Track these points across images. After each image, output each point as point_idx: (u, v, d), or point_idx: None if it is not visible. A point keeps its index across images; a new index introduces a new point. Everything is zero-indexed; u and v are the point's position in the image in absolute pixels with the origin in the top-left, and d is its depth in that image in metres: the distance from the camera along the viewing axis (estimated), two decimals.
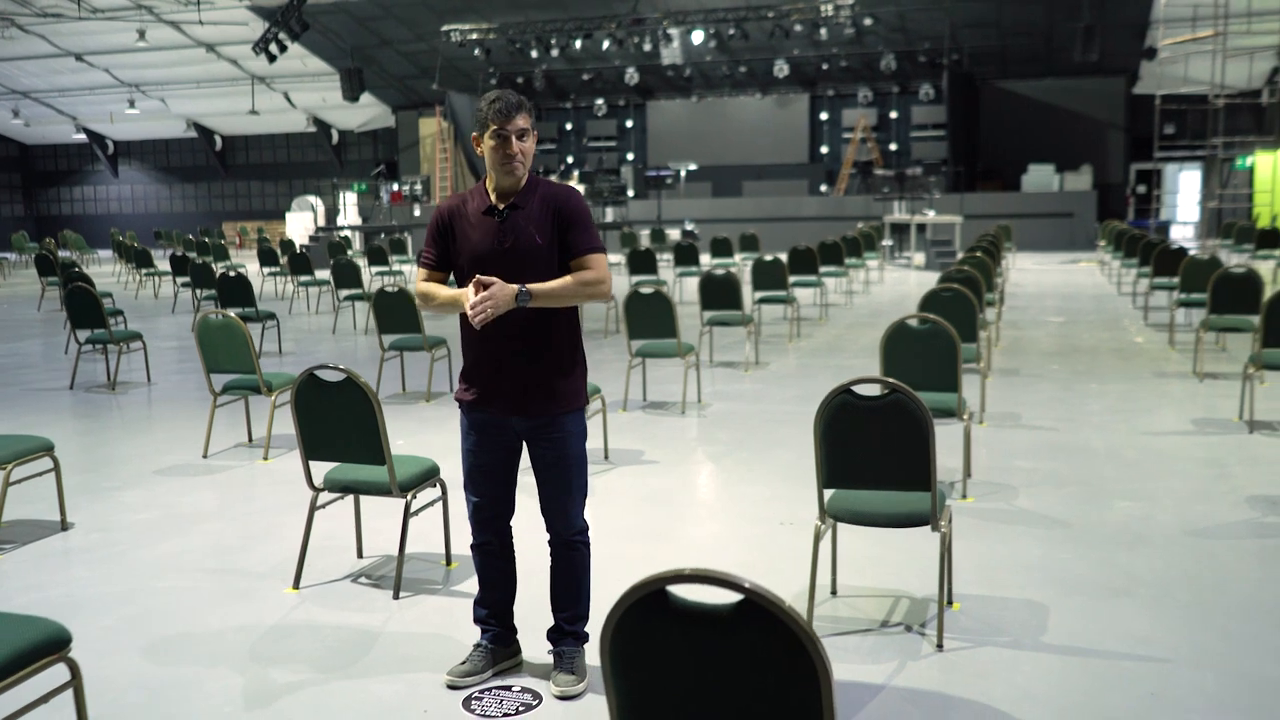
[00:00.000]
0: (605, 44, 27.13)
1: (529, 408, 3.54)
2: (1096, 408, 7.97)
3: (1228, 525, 5.20)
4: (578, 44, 27.24)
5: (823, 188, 29.63)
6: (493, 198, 3.52)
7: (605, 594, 4.41)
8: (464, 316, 3.50)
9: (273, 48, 26.81)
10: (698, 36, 26.51)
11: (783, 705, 1.94)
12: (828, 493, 4.10)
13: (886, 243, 21.71)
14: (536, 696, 3.58)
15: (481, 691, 3.60)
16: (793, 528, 5.30)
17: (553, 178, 30.65)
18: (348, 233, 26.02)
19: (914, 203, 22.38)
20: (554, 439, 3.57)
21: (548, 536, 3.68)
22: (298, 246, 20.42)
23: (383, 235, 24.89)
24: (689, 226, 23.62)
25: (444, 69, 29.47)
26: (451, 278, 3.67)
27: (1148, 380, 8.93)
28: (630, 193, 27.15)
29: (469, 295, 3.34)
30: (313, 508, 4.64)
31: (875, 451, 3.91)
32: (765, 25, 26.36)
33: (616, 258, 19.55)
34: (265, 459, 6.81)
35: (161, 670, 3.81)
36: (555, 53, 27.67)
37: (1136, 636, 3.96)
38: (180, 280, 15.75)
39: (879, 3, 25.29)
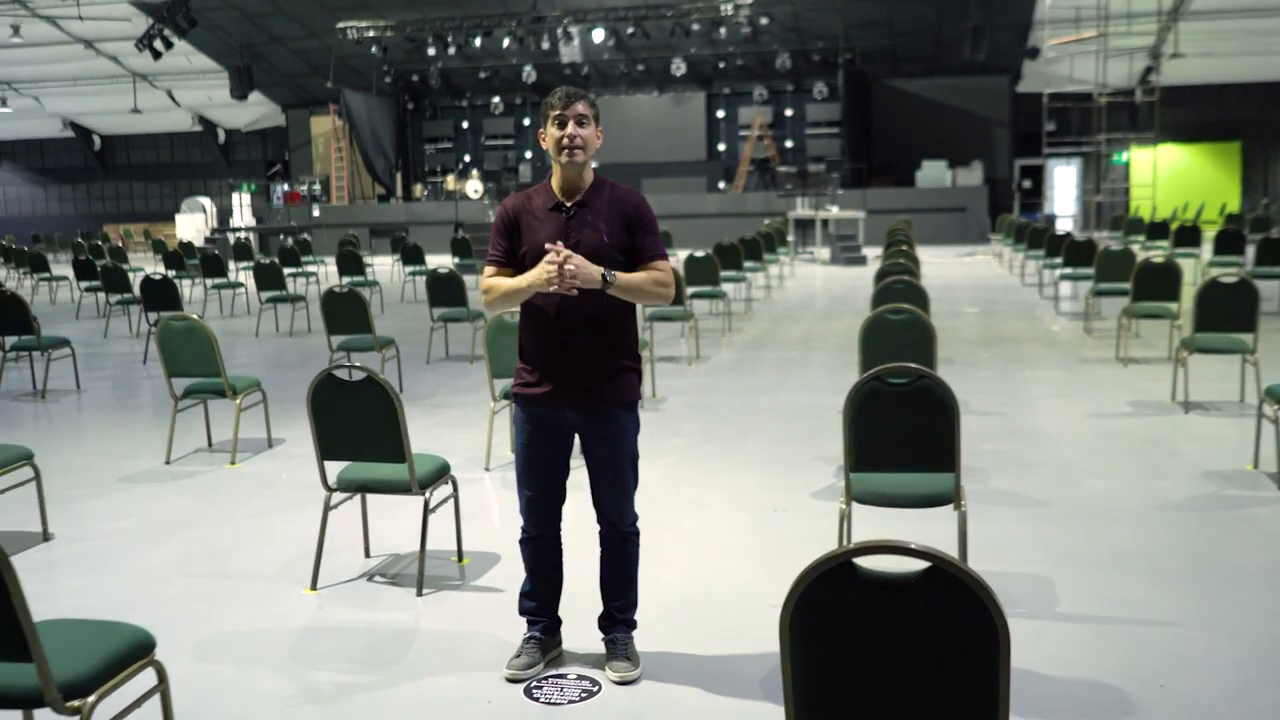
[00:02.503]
0: (505, 42, 27.01)
1: (588, 401, 3.55)
2: (1037, 393, 8.32)
3: (1192, 499, 5.52)
4: (476, 42, 27.07)
5: (721, 185, 29.99)
6: (559, 195, 3.54)
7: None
8: (526, 306, 3.55)
9: (157, 44, 26.02)
10: (598, 35, 26.60)
11: (964, 669, 2.05)
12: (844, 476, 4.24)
13: (791, 238, 22.13)
14: (595, 683, 3.64)
15: (540, 681, 3.65)
16: (786, 514, 5.44)
17: (450, 177, 30.69)
18: (244, 234, 25.38)
19: (817, 199, 22.85)
20: (609, 434, 3.60)
21: (598, 528, 3.73)
22: (197, 249, 19.89)
23: (283, 236, 24.37)
24: None
25: (338, 67, 28.96)
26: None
27: (1075, 366, 9.34)
28: None
29: (543, 270, 3.35)
30: (327, 508, 4.60)
31: (902, 435, 4.06)
32: (665, 24, 26.58)
33: None
34: (233, 463, 6.68)
35: (218, 673, 3.75)
36: (452, 50, 27.44)
37: (1141, 603, 4.20)
38: (84, 285, 15.20)
39: (775, 3, 25.72)
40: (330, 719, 3.44)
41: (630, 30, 26.49)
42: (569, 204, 3.53)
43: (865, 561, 2.07)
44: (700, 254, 11.66)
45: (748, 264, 14.23)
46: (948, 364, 9.48)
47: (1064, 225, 27.70)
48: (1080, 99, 25.55)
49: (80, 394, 9.35)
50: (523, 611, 3.83)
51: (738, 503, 5.69)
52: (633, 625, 3.79)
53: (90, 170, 37.40)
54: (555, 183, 3.56)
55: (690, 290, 11.35)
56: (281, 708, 3.53)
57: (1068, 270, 12.90)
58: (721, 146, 31.36)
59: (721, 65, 29.37)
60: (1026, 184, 29.20)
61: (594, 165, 3.71)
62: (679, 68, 28.60)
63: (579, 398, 3.57)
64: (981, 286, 16.18)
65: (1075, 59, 24.94)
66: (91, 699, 2.67)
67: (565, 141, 3.45)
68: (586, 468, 3.68)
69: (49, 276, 18.02)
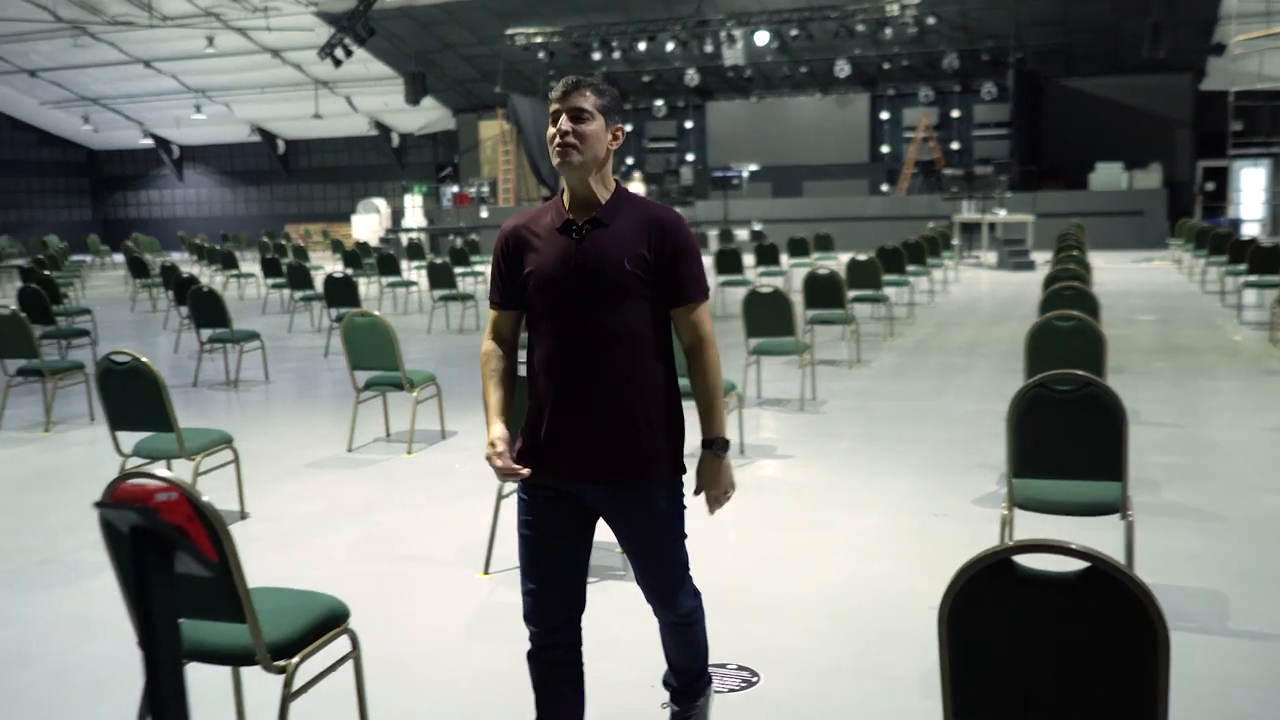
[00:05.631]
0: (669, 46, 27.30)
1: (603, 473, 2.81)
2: (1215, 404, 8.03)
3: None
4: (640, 46, 27.45)
5: (884, 187, 29.62)
6: (569, 211, 2.84)
7: (779, 584, 4.64)
8: (530, 355, 2.90)
9: (338, 53, 27.26)
10: (761, 37, 26.63)
11: (1122, 673, 2.09)
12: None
13: (955, 242, 21.71)
14: (754, 674, 3.75)
15: None
16: (948, 519, 5.43)
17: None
18: (416, 234, 26.36)
19: (984, 202, 22.35)
20: (639, 518, 2.87)
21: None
22: (372, 248, 20.77)
23: (452, 236, 25.21)
24: (757, 227, 23.74)
25: (506, 72, 29.77)
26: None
27: (1258, 378, 8.96)
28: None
29: (494, 438, 2.79)
30: (499, 497, 4.83)
31: (1068, 442, 4.04)
32: (829, 26, 26.42)
33: (704, 260, 19.63)
34: (409, 453, 7.04)
35: (403, 647, 4.02)
36: (616, 55, 27.90)
37: None
38: (270, 282, 16.09)
39: (942, 2, 25.27)
40: (506, 693, 3.64)
41: (794, 32, 26.43)
42: (581, 222, 2.80)
43: (1025, 562, 2.13)
44: (862, 257, 11.61)
45: (911, 268, 14.08)
46: (1120, 373, 9.22)
47: (1250, 230, 26.37)
48: (1271, 97, 24.27)
49: (268, 384, 9.95)
50: None
51: (899, 506, 5.71)
52: (700, 693, 3.24)
53: (274, 173, 39.36)
54: (565, 197, 2.87)
55: (851, 294, 11.31)
56: (461, 680, 3.76)
57: (1252, 278, 12.34)
58: (885, 148, 30.96)
59: (886, 66, 28.99)
60: (1210, 187, 27.88)
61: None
62: (843, 69, 28.36)
63: (589, 470, 2.82)
64: (1159, 294, 15.58)
65: (1265, 55, 23.71)
66: (295, 660, 2.93)
67: (556, 140, 2.76)
68: (623, 551, 3.08)
69: (238, 273, 19.12)
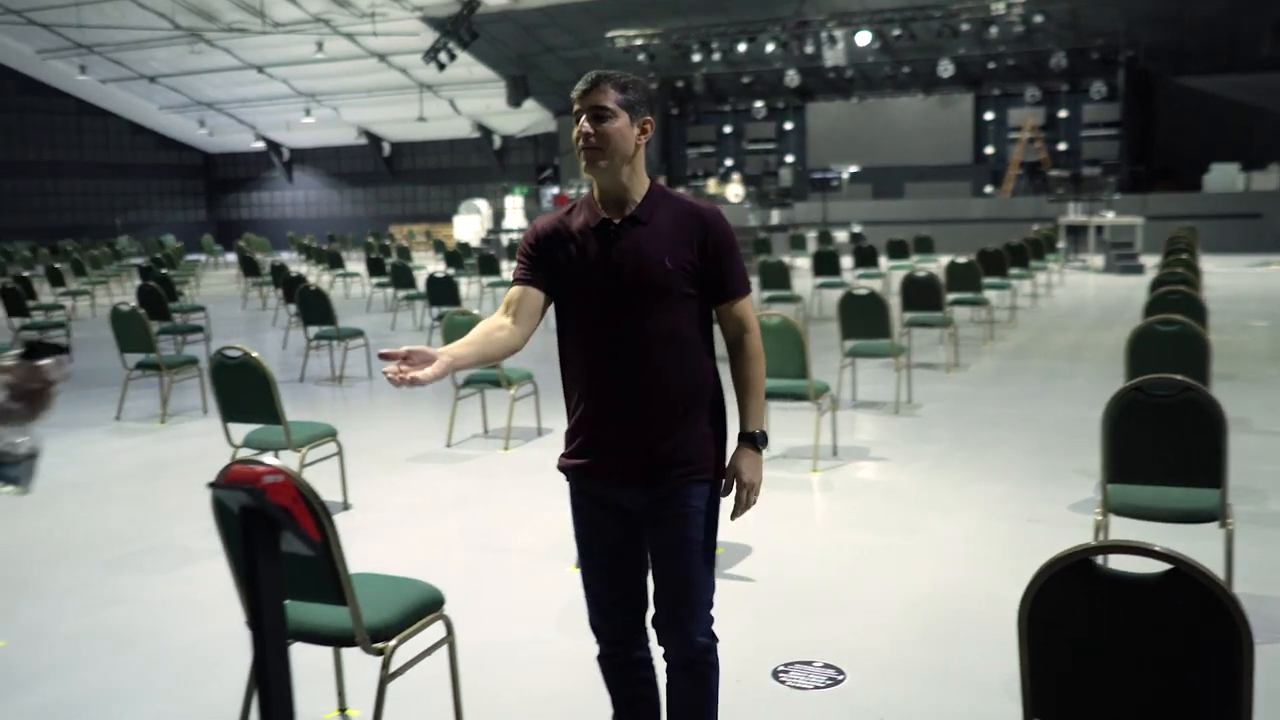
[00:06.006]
0: (769, 47, 27.24)
1: (643, 474, 2.73)
2: None
3: None
4: (740, 47, 27.44)
5: (988, 189, 29.11)
6: (602, 210, 2.74)
7: (868, 584, 4.66)
8: (562, 351, 2.84)
9: (442, 57, 27.81)
10: (863, 38, 26.40)
11: (1204, 678, 2.08)
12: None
13: (1061, 245, 21.25)
14: (840, 672, 3.77)
15: (787, 665, 3.82)
16: (1042, 525, 5.37)
17: (712, 180, 31.20)
18: (516, 235, 26.73)
19: (1091, 204, 21.84)
20: (669, 518, 2.75)
21: (661, 651, 2.88)
22: (473, 249, 21.13)
23: None
24: (856, 229, 23.54)
25: None
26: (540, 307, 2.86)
27: None
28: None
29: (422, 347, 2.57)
30: None
31: (1165, 448, 3.98)
32: (932, 25, 26.10)
33: (801, 261, 19.58)
34: (506, 449, 7.19)
35: (495, 635, 4.14)
36: (716, 56, 27.93)
37: None
38: (375, 281, 16.49)
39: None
40: (591, 685, 3.71)
41: (896, 32, 26.16)
42: (616, 221, 2.71)
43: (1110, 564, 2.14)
44: (962, 260, 11.48)
45: (1013, 271, 13.85)
46: (1230, 379, 8.98)
47: None
48: None
49: (371, 380, 10.23)
50: None
51: (991, 511, 5.66)
52: None
53: (379, 174, 40.25)
54: (596, 194, 2.77)
55: (950, 297, 11.19)
56: (548, 670, 3.86)
57: None
58: (989, 149, 30.42)
59: (991, 65, 28.48)
60: None
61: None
62: (946, 69, 27.95)
63: (631, 472, 2.75)
64: (1275, 299, 15.07)
65: None
66: (393, 643, 3.05)
67: (579, 142, 2.66)
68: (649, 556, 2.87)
69: (344, 273, 19.63)
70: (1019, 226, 22.85)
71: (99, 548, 5.40)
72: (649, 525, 2.78)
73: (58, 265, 17.23)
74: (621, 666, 2.92)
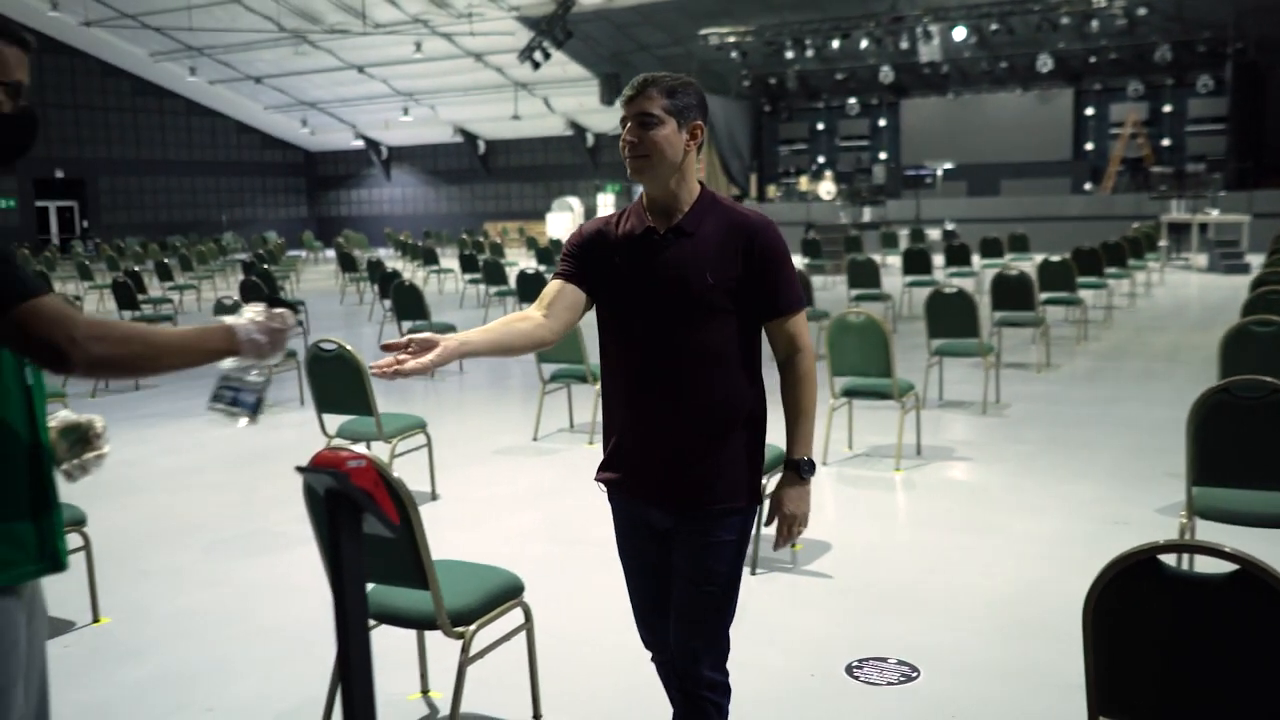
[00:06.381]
0: (863, 43, 27.00)
1: (670, 497, 2.62)
2: None
3: None
4: (834, 44, 27.25)
5: (1087, 186, 28.47)
6: (650, 218, 2.64)
7: (947, 583, 4.64)
8: (601, 357, 2.76)
9: (537, 56, 28.12)
10: (959, 33, 26.02)
11: (1271, 672, 2.07)
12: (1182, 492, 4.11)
13: (1162, 243, 20.72)
14: (914, 669, 3.78)
15: (861, 660, 3.84)
16: (1128, 527, 5.29)
17: (804, 178, 31.05)
18: None
19: (1195, 201, 21.24)
20: (694, 547, 2.62)
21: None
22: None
23: None
24: (949, 226, 23.23)
25: (698, 72, 30.02)
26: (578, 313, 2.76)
27: None
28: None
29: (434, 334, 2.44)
30: None
31: (1253, 451, 3.91)
32: (1031, 19, 25.60)
33: (892, 259, 19.41)
34: (591, 444, 7.30)
35: (572, 625, 4.23)
36: (810, 53, 27.78)
37: None
38: (467, 277, 16.77)
39: None
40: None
41: (994, 27, 25.71)
42: (662, 230, 2.61)
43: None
44: (1055, 259, 11.28)
45: (1110, 270, 13.56)
46: None
47: None
48: None
49: (462, 374, 10.43)
50: None
51: (1077, 512, 5.58)
52: None
53: (474, 172, 40.84)
54: (645, 200, 2.67)
55: (1043, 296, 11.02)
56: (623, 661, 3.93)
57: None
58: (1089, 146, 29.74)
59: (1092, 60, 27.82)
60: None
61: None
62: (1045, 64, 27.40)
63: (661, 492, 2.63)
64: None
65: None
66: (473, 628, 3.15)
67: (624, 149, 2.58)
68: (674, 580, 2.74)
69: (438, 269, 19.99)
70: (1119, 224, 22.32)
71: (198, 532, 5.63)
72: (675, 550, 2.67)
73: (166, 260, 17.86)
74: (669, 676, 2.83)
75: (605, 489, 2.75)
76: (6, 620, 2.00)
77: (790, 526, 2.64)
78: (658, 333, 2.58)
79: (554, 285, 2.70)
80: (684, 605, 2.65)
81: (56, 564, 2.09)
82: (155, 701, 3.74)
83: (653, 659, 2.86)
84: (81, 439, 2.23)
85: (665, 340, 2.57)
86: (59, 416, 2.22)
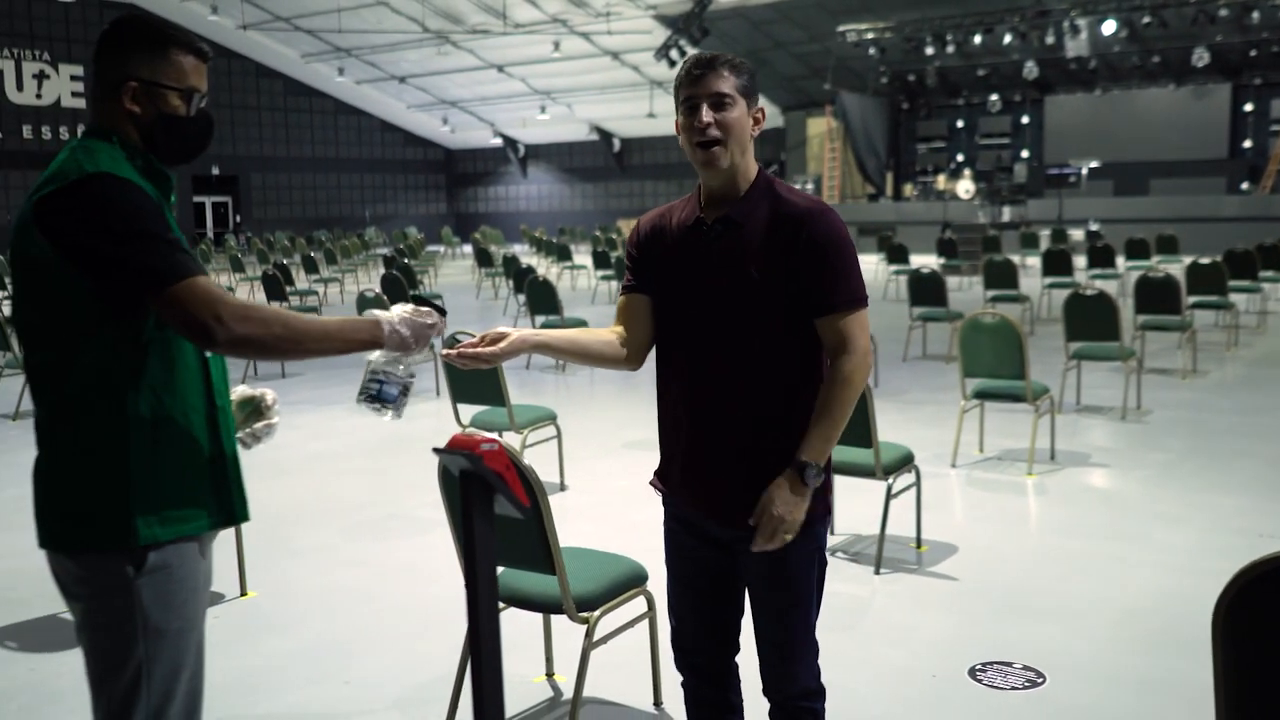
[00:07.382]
0: (1006, 38, 26.35)
1: (733, 509, 2.39)
2: None
3: None
4: (976, 39, 26.67)
5: (1244, 185, 27.24)
6: (702, 208, 2.43)
7: (1077, 590, 4.55)
8: (658, 367, 2.57)
9: (673, 54, 28.24)
10: (1109, 26, 25.18)
11: None
12: None
13: None
14: (1040, 674, 3.73)
15: (985, 664, 3.81)
16: (1273, 540, 5.09)
17: (941, 176, 30.46)
18: None
19: None
20: (765, 569, 2.43)
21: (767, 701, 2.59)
22: None
23: None
24: (1093, 226, 22.52)
25: (836, 69, 29.76)
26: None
27: None
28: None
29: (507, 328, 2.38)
30: None
31: None
32: (1186, 11, 24.62)
33: (1031, 260, 18.95)
34: None
35: None
36: (951, 49, 27.24)
37: None
38: (600, 274, 16.99)
39: None
40: None
41: (1146, 20, 24.80)
42: (711, 220, 2.39)
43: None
44: (1205, 261, 10.87)
45: (1265, 273, 12.98)
46: None
47: None
48: None
49: (593, 370, 10.60)
50: None
51: (1219, 524, 5.40)
52: None
53: (609, 170, 41.26)
54: (701, 189, 2.46)
55: (1191, 300, 10.64)
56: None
57: None
58: (1247, 143, 28.44)
59: (1253, 53, 26.60)
60: None
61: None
62: (1201, 58, 26.30)
63: (720, 505, 2.43)
64: None
65: None
66: (597, 613, 3.24)
67: (696, 136, 2.32)
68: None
69: (571, 265, 20.29)
70: (1277, 226, 21.33)
71: (340, 514, 5.88)
72: (745, 566, 2.46)
73: (312, 254, 18.55)
74: (704, 705, 2.63)
75: (663, 496, 2.58)
76: (192, 566, 2.19)
77: (775, 530, 2.32)
78: (704, 334, 2.39)
79: (620, 301, 2.58)
80: (767, 618, 2.48)
81: (232, 518, 2.26)
82: (297, 672, 3.94)
83: (685, 683, 2.64)
84: (255, 410, 2.47)
85: (712, 342, 2.38)
86: (237, 390, 2.42)
